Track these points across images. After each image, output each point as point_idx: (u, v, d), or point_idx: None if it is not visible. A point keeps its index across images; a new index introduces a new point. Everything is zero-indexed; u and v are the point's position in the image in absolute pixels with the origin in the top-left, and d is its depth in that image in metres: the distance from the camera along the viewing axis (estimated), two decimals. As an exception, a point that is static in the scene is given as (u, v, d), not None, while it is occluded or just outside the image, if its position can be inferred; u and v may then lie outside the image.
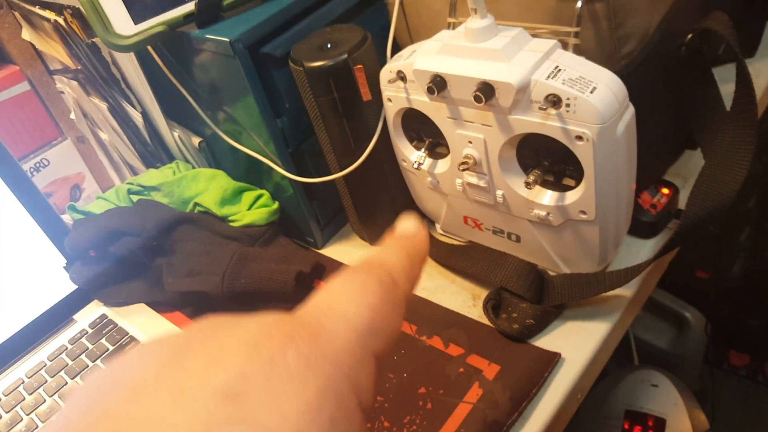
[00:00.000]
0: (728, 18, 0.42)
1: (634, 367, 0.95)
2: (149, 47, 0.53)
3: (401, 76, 0.45)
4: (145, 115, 0.60)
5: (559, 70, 0.37)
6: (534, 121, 0.39)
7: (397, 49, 0.52)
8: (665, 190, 0.50)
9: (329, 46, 0.48)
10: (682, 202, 0.50)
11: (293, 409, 0.15)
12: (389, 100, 0.47)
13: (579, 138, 0.37)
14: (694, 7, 0.45)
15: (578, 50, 0.41)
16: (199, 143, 0.60)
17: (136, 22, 0.49)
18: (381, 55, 0.51)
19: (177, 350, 0.16)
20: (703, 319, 1.08)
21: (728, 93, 0.65)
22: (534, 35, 0.41)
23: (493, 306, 0.46)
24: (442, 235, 0.56)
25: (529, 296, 0.45)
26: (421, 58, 0.42)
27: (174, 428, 0.14)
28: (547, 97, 0.37)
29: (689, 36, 0.42)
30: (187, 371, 0.15)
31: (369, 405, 0.18)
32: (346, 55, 0.46)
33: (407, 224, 0.23)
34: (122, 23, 0.48)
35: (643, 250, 0.50)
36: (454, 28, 0.47)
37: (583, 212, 0.41)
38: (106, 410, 0.15)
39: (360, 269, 0.20)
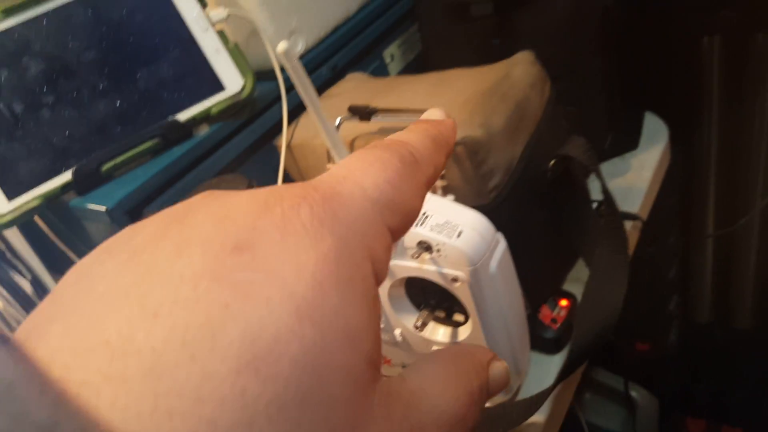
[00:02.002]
0: (586, 142, 0.44)
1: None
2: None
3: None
4: (35, 281, 0.58)
5: (427, 216, 0.38)
6: (411, 265, 0.39)
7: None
8: (564, 302, 0.51)
9: (212, 201, 0.47)
10: (584, 309, 0.51)
11: (310, 260, 0.14)
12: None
13: (455, 280, 0.38)
14: (557, 131, 0.47)
15: (449, 189, 0.42)
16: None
17: (10, 198, 0.48)
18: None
19: (177, 215, 0.15)
20: (650, 396, 1.08)
21: (617, 187, 0.69)
22: (404, 179, 0.42)
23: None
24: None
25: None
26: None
27: (180, 278, 0.13)
28: (419, 243, 0.38)
29: (552, 162, 0.44)
30: (192, 228, 0.14)
31: (382, 275, 0.16)
32: (228, 210, 0.46)
33: (432, 112, 0.21)
34: (-4, 201, 0.47)
35: (552, 365, 0.49)
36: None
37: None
38: (101, 274, 0.13)
39: (379, 145, 0.18)
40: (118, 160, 0.49)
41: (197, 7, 0.49)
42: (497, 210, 0.42)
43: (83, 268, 0.14)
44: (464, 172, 0.41)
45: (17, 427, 0.10)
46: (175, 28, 0.49)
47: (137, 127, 0.49)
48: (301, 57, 0.58)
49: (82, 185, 0.49)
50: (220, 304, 0.13)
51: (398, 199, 0.17)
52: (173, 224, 0.14)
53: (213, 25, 0.50)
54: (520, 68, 0.45)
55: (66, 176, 0.49)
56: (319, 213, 0.15)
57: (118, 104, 0.48)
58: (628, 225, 0.62)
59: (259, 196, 0.15)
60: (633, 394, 1.06)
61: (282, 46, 0.33)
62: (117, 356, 0.12)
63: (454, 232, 0.37)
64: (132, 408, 0.11)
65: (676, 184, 0.95)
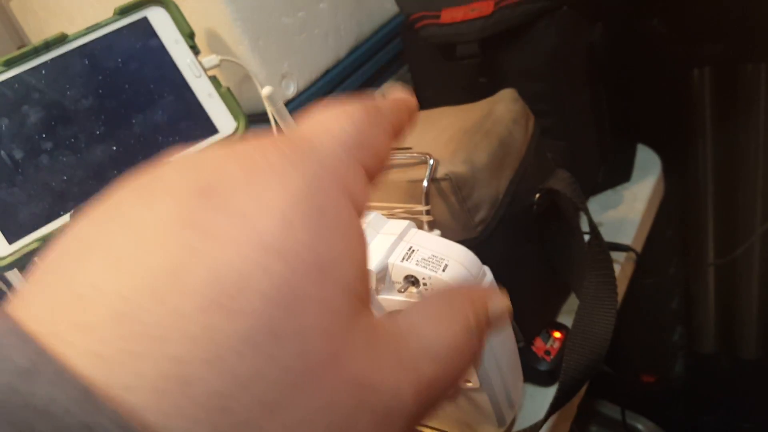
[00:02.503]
0: (570, 176, 0.45)
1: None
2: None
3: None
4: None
5: (413, 250, 0.39)
6: (399, 299, 0.39)
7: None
8: (557, 334, 0.51)
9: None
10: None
11: (277, 198, 0.14)
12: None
13: (442, 314, 0.38)
14: (542, 165, 0.48)
15: (435, 224, 0.43)
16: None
17: (11, 241, 0.49)
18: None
19: (149, 172, 0.15)
20: (656, 429, 1.06)
21: (610, 219, 0.69)
22: (391, 215, 0.43)
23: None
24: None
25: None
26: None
27: (147, 226, 0.13)
28: (406, 277, 0.38)
29: (537, 195, 0.45)
30: (160, 179, 0.14)
31: (362, 208, 0.17)
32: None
33: (395, 89, 0.22)
34: (-5, 245, 0.48)
35: (547, 397, 0.49)
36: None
37: (468, 381, 0.41)
38: (75, 234, 0.14)
39: (340, 102, 0.19)
40: (115, 202, 0.50)
41: (190, 54, 0.51)
42: (485, 244, 0.42)
43: (61, 235, 0.15)
44: (450, 206, 0.42)
45: None
46: (169, 75, 0.50)
47: (133, 170, 0.50)
48: (293, 99, 0.60)
49: (80, 228, 0.50)
50: (186, 247, 0.13)
51: (365, 139, 0.18)
52: (144, 180, 0.15)
53: (206, 70, 0.51)
54: (503, 105, 0.46)
55: (64, 219, 0.50)
56: (288, 154, 0.15)
57: (114, 149, 0.49)
58: (622, 257, 0.63)
59: (227, 146, 0.16)
60: (639, 426, 1.05)
61: (266, 90, 0.34)
62: (87, 307, 0.12)
63: (439, 265, 0.38)
64: (100, 352, 0.12)
65: (673, 214, 0.95)
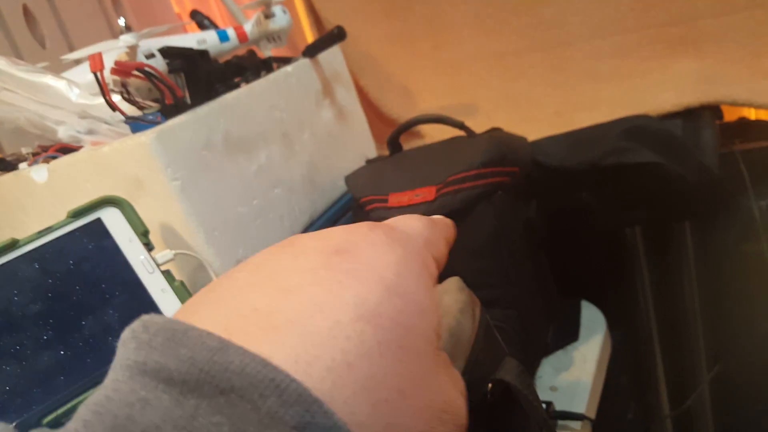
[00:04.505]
0: (518, 364, 0.46)
1: None
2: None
3: None
4: None
5: None
6: None
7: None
8: None
9: None
10: None
11: (391, 259, 0.20)
12: None
13: None
14: (493, 351, 0.49)
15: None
16: None
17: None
18: None
19: (279, 245, 0.21)
20: None
21: (564, 382, 0.70)
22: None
23: None
24: None
25: None
26: None
27: (302, 270, 0.18)
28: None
29: (489, 385, 0.45)
30: (299, 245, 0.20)
31: (435, 284, 0.23)
32: None
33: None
34: None
35: None
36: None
37: None
38: (232, 277, 0.19)
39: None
40: (60, 411, 0.48)
41: (144, 251, 0.52)
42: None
43: (212, 283, 0.20)
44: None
45: (196, 352, 0.15)
46: (122, 274, 0.51)
47: (81, 375, 0.49)
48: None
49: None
50: (336, 281, 0.18)
51: (433, 238, 0.24)
52: (285, 246, 0.21)
53: (159, 266, 0.52)
54: (449, 296, 0.48)
55: (7, 429, 0.47)
56: (389, 234, 0.21)
57: (62, 353, 0.48)
58: (578, 425, 0.63)
59: (342, 227, 0.22)
60: None
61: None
62: (264, 316, 0.17)
63: None
64: (278, 341, 0.16)
65: (625, 363, 0.96)
